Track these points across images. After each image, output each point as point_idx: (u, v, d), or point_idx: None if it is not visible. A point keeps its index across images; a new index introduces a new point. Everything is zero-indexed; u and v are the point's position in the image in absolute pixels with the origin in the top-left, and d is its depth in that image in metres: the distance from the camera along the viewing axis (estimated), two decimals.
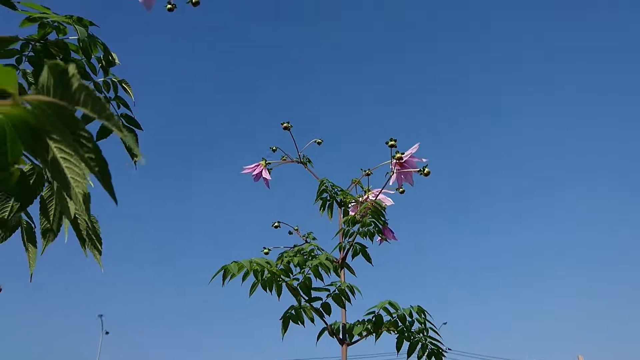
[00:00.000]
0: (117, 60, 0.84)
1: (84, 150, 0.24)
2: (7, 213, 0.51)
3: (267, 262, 0.92)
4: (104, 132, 0.92)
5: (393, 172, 1.08)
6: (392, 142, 1.07)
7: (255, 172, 1.23)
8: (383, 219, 1.09)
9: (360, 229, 1.08)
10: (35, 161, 0.44)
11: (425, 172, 1.06)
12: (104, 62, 0.86)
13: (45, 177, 0.44)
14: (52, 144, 0.27)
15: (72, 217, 0.33)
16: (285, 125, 1.23)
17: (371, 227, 1.09)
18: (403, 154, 1.06)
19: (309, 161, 1.26)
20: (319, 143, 1.28)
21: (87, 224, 0.43)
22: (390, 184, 1.16)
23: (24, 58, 0.86)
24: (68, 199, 0.38)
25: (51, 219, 0.50)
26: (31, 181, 0.44)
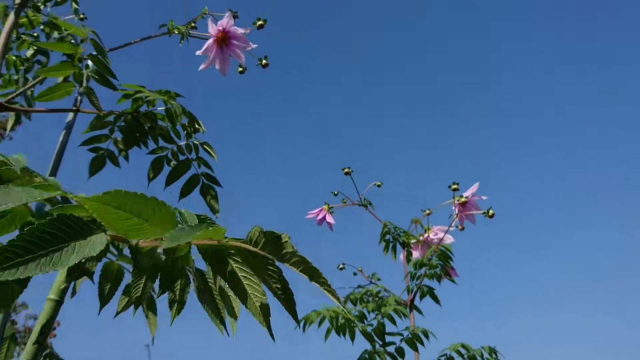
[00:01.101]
0: (203, 128, 0.91)
1: (272, 281, 0.29)
2: (140, 290, 0.58)
3: (343, 310, 0.97)
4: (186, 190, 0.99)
5: (457, 215, 1.11)
6: (455, 186, 1.10)
7: (319, 217, 1.27)
8: (450, 261, 1.12)
9: (427, 272, 1.11)
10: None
11: (489, 214, 1.08)
12: (189, 129, 0.93)
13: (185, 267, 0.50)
14: (233, 264, 0.32)
15: (238, 316, 0.39)
16: (346, 170, 1.28)
17: (437, 269, 1.12)
18: (467, 198, 1.09)
19: (370, 203, 1.31)
20: (378, 186, 1.32)
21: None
22: (451, 223, 1.19)
23: (115, 128, 0.95)
24: (233, 301, 0.43)
25: (177, 293, 0.56)
26: (170, 262, 0.50)
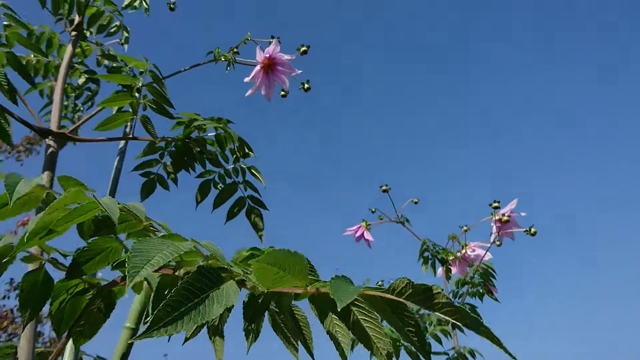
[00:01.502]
0: (252, 153, 0.93)
1: (406, 326, 0.31)
2: (217, 320, 0.59)
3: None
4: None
5: (499, 232, 1.12)
6: (496, 204, 1.11)
7: (357, 234, 1.29)
8: (492, 279, 1.12)
9: (470, 290, 1.12)
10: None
11: (531, 232, 1.09)
12: (238, 153, 0.95)
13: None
14: (356, 312, 0.34)
15: (347, 357, 0.40)
16: (384, 188, 1.29)
17: (480, 287, 1.13)
18: (509, 216, 1.09)
19: (407, 220, 1.32)
20: (415, 202, 1.33)
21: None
22: (491, 240, 1.20)
23: (165, 153, 0.98)
24: (343, 344, 0.44)
25: (253, 325, 0.58)
26: (260, 300, 0.51)
